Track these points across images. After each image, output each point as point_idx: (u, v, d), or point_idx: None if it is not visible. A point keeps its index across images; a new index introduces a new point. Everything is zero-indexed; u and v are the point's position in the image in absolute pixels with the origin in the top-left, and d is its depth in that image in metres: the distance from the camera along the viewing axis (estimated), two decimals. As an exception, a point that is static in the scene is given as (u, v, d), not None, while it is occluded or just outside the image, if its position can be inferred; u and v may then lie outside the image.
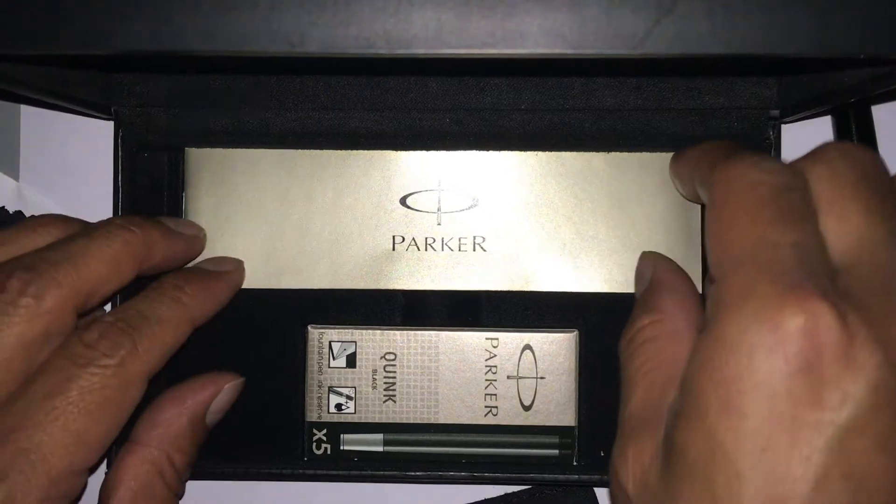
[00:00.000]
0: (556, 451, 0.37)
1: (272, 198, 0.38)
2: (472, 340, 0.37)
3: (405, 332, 0.37)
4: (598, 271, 0.37)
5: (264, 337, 0.38)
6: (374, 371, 0.37)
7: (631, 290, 0.37)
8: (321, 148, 0.37)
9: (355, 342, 0.37)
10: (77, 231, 0.33)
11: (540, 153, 0.37)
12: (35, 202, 0.40)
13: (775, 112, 0.37)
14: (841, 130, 0.38)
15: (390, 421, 0.37)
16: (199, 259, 0.37)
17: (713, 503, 0.25)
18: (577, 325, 0.37)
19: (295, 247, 0.38)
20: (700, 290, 0.35)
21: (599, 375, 0.37)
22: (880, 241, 0.27)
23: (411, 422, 0.37)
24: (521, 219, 0.37)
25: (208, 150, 0.38)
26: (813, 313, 0.24)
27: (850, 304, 0.25)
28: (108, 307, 0.36)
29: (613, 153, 0.37)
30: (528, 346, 0.37)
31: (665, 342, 0.30)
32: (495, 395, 0.37)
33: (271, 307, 0.37)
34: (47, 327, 0.30)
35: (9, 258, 0.32)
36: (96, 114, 0.38)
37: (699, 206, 0.37)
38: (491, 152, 0.37)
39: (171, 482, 0.33)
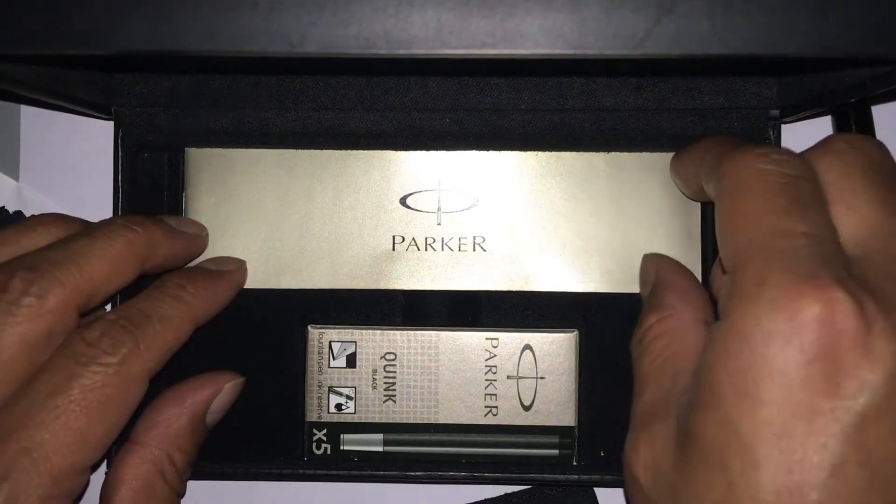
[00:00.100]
0: (556, 451, 0.37)
1: (272, 198, 0.38)
2: (472, 340, 0.37)
3: (405, 332, 0.37)
4: (598, 271, 0.37)
5: (264, 337, 0.38)
6: (374, 371, 0.37)
7: (631, 290, 0.37)
8: (321, 148, 0.37)
9: (355, 342, 0.37)
10: (78, 230, 0.33)
11: (540, 153, 0.37)
12: (35, 202, 0.40)
13: (775, 112, 0.37)
14: (841, 130, 0.38)
15: (390, 421, 0.37)
16: (200, 258, 0.37)
17: (728, 489, 0.25)
18: (577, 325, 0.37)
19: (295, 247, 0.38)
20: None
21: (599, 375, 0.37)
22: (893, 231, 0.27)
23: (411, 422, 0.37)
24: (521, 219, 0.37)
25: (208, 150, 0.38)
26: (829, 302, 0.25)
27: (867, 293, 0.25)
28: (107, 306, 0.36)
29: (613, 153, 0.37)
30: (528, 346, 0.37)
31: (673, 337, 0.31)
32: (495, 395, 0.37)
33: (271, 307, 0.37)
34: (50, 327, 0.30)
35: (10, 258, 0.32)
36: (96, 114, 0.38)
37: (699, 206, 0.37)
38: (491, 152, 0.37)
39: (172, 482, 0.33)
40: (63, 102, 0.36)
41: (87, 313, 0.32)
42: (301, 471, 0.37)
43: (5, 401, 0.30)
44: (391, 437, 0.37)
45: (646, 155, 0.37)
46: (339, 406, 0.37)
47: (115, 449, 0.34)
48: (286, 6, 0.27)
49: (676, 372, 0.30)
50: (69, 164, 0.40)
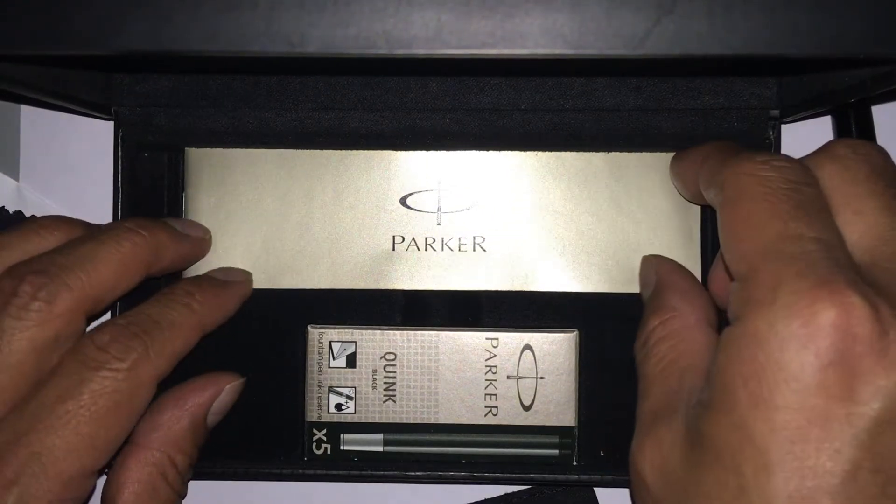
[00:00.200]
0: (556, 451, 0.37)
1: (272, 198, 0.38)
2: (472, 340, 0.37)
3: (405, 332, 0.37)
4: (598, 271, 0.37)
5: (264, 337, 0.38)
6: (374, 371, 0.37)
7: (631, 290, 0.37)
8: (321, 148, 0.37)
9: (355, 342, 0.37)
10: (83, 233, 0.33)
11: (540, 153, 0.37)
12: (35, 202, 0.40)
13: (775, 112, 0.37)
14: (841, 130, 0.38)
15: (390, 421, 0.37)
16: (205, 265, 0.37)
17: (740, 492, 0.25)
18: (577, 325, 0.37)
19: (295, 247, 0.38)
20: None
21: (599, 375, 0.37)
22: None
23: (411, 422, 0.37)
24: (520, 219, 0.37)
25: (208, 150, 0.38)
26: (845, 307, 0.25)
27: (881, 298, 0.25)
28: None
29: (613, 153, 0.37)
30: (528, 346, 0.37)
31: (678, 339, 0.31)
32: (495, 395, 0.37)
33: (271, 307, 0.37)
34: (58, 331, 0.31)
35: (15, 262, 0.32)
36: (96, 114, 0.38)
37: (699, 207, 0.37)
38: (491, 152, 0.37)
39: (173, 483, 0.33)
40: (63, 102, 0.36)
41: (94, 317, 0.32)
42: (301, 471, 0.37)
43: (14, 405, 0.30)
44: (391, 437, 0.37)
45: (646, 155, 0.37)
46: (339, 406, 0.37)
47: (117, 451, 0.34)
48: (286, 6, 0.27)
49: (682, 373, 0.30)
50: (69, 164, 0.40)
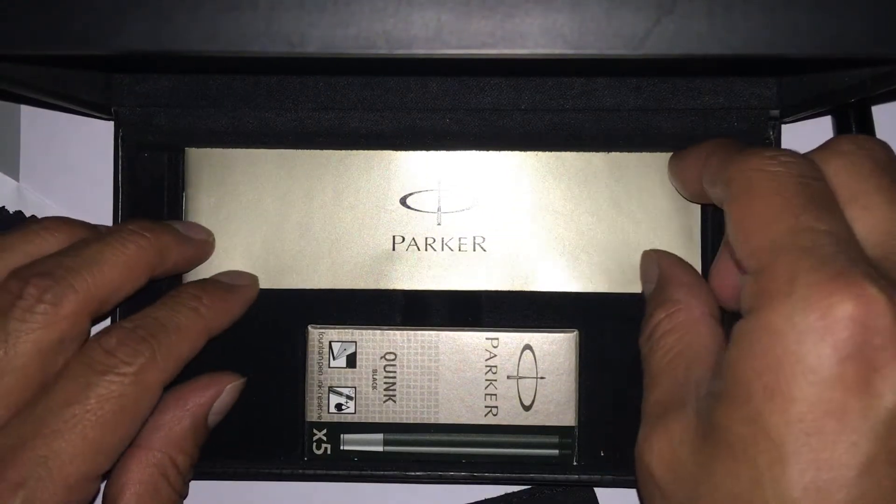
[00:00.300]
0: (555, 451, 0.37)
1: (272, 198, 0.38)
2: (472, 340, 0.37)
3: (405, 332, 0.37)
4: (598, 271, 0.37)
5: (264, 337, 0.38)
6: (374, 371, 0.37)
7: (631, 290, 0.37)
8: (321, 148, 0.37)
9: (355, 342, 0.37)
10: (87, 235, 0.33)
11: (540, 153, 0.37)
12: (35, 202, 0.40)
13: (775, 112, 0.37)
14: (841, 130, 0.38)
15: (390, 421, 0.37)
16: (206, 265, 0.37)
17: (754, 483, 0.25)
18: (577, 325, 0.37)
19: (295, 247, 0.38)
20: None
21: (599, 375, 0.37)
22: None
23: (411, 422, 0.37)
24: (520, 219, 0.37)
25: (208, 150, 0.38)
26: (863, 299, 0.25)
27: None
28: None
29: (613, 153, 0.37)
30: (528, 346, 0.37)
31: (683, 331, 0.31)
32: (495, 395, 0.37)
33: (271, 307, 0.37)
34: (63, 334, 0.31)
35: (17, 263, 0.32)
36: (96, 114, 0.38)
37: (699, 207, 0.37)
38: (491, 152, 0.37)
39: (175, 484, 0.33)
40: (63, 102, 0.36)
41: (98, 319, 0.32)
42: (301, 471, 0.37)
43: (20, 408, 0.30)
44: (391, 437, 0.37)
45: (646, 155, 0.37)
46: (339, 406, 0.37)
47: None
48: (286, 6, 0.27)
49: (689, 365, 0.30)
50: (69, 164, 0.40)
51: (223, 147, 0.38)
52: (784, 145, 0.37)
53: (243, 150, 0.38)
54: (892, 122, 0.38)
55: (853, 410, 0.25)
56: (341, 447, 0.37)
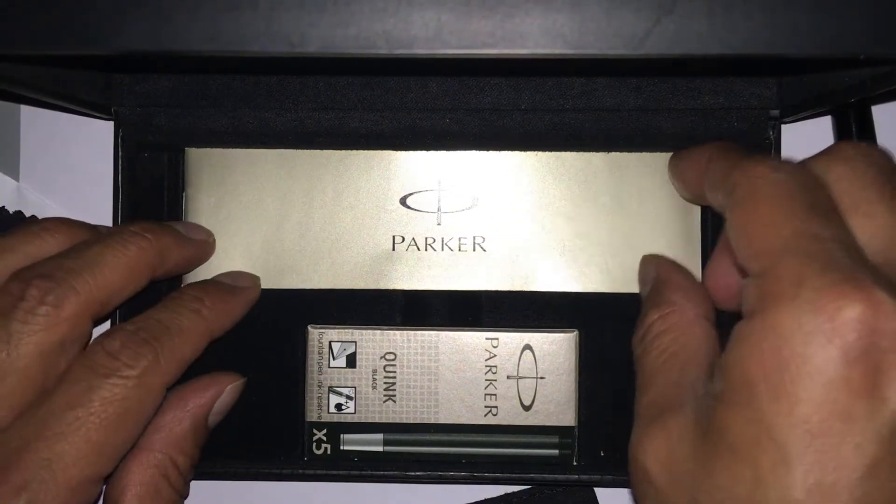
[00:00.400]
0: (555, 451, 0.37)
1: (272, 198, 0.38)
2: (472, 340, 0.37)
3: (405, 332, 0.37)
4: (598, 271, 0.37)
5: (264, 337, 0.38)
6: (374, 371, 0.37)
7: (631, 290, 0.37)
8: (321, 148, 0.37)
9: (355, 342, 0.37)
10: (88, 236, 0.33)
11: (540, 153, 0.37)
12: (35, 202, 0.40)
13: (775, 112, 0.37)
14: (841, 130, 0.38)
15: (390, 421, 0.37)
16: (206, 265, 0.37)
17: (756, 484, 0.25)
18: (577, 325, 0.37)
19: (295, 247, 0.38)
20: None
21: (599, 375, 0.37)
22: None
23: (411, 422, 0.37)
24: (521, 219, 0.37)
25: (208, 150, 0.38)
26: (871, 302, 0.25)
27: None
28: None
29: (613, 153, 0.37)
30: (528, 346, 0.37)
31: (678, 332, 0.31)
32: (495, 395, 0.37)
33: (271, 307, 0.37)
34: (65, 336, 0.31)
35: (18, 265, 0.32)
36: (96, 114, 0.38)
37: (699, 207, 0.37)
38: (491, 152, 0.37)
39: (175, 484, 0.33)
40: (63, 102, 0.36)
41: (99, 321, 0.32)
42: (301, 471, 0.37)
43: (22, 410, 0.30)
44: (391, 437, 0.37)
45: (646, 155, 0.37)
46: (339, 406, 0.37)
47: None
48: (286, 6, 0.27)
49: (684, 366, 0.30)
50: (69, 164, 0.40)
51: (223, 147, 0.38)
52: (784, 145, 0.37)
53: (243, 150, 0.38)
54: (892, 122, 0.38)
55: (859, 413, 0.24)
56: (341, 447, 0.37)
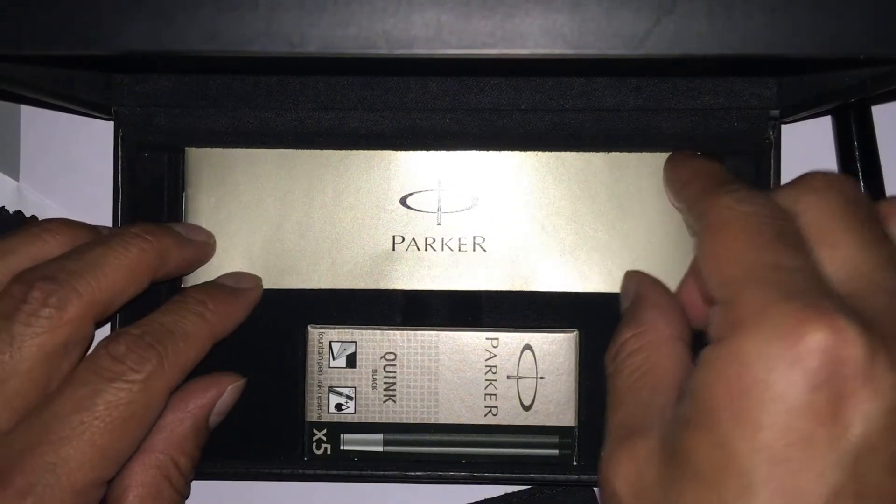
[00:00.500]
0: (555, 451, 0.37)
1: (272, 198, 0.38)
2: (472, 340, 0.37)
3: (405, 332, 0.37)
4: (598, 271, 0.37)
5: (264, 337, 0.38)
6: (374, 371, 0.37)
7: (631, 290, 0.37)
8: (321, 148, 0.37)
9: (355, 342, 0.37)
10: (89, 237, 0.33)
11: (540, 153, 0.37)
12: (35, 202, 0.40)
13: (775, 112, 0.37)
14: (841, 130, 0.38)
15: (390, 421, 0.37)
16: (206, 265, 0.37)
17: None
18: (577, 325, 0.37)
19: (295, 247, 0.38)
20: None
21: (599, 375, 0.37)
22: (877, 267, 0.27)
23: (411, 422, 0.37)
24: (521, 219, 0.37)
25: (208, 150, 0.38)
26: (834, 329, 0.25)
27: (866, 324, 0.25)
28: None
29: (613, 153, 0.37)
30: (528, 346, 0.37)
31: (650, 352, 0.31)
32: (495, 395, 0.37)
33: (271, 307, 0.37)
34: (68, 338, 0.31)
35: (19, 266, 0.32)
36: (96, 114, 0.38)
37: (699, 206, 0.37)
38: (491, 152, 0.37)
39: (177, 485, 0.33)
40: (63, 102, 0.36)
41: (101, 323, 0.32)
42: (301, 471, 0.37)
43: (25, 413, 0.30)
44: (391, 437, 0.37)
45: (646, 155, 0.37)
46: (339, 406, 0.37)
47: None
48: (286, 6, 0.27)
49: (654, 387, 0.30)
50: (69, 164, 0.40)
51: (223, 147, 0.38)
52: (784, 145, 0.37)
53: (243, 150, 0.38)
54: (892, 122, 0.38)
55: (821, 440, 0.24)
56: (341, 447, 0.37)
